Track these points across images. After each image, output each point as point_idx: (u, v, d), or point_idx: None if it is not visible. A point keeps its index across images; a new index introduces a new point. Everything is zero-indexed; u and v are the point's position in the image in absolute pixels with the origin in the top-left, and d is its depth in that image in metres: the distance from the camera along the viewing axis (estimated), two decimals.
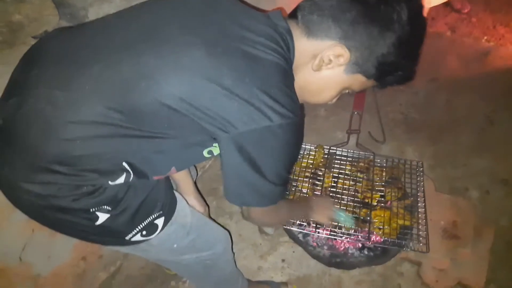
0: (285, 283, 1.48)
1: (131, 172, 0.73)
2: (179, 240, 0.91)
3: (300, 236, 1.54)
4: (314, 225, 1.42)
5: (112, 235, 0.79)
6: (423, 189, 1.51)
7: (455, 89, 2.15)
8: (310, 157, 1.66)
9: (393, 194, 1.51)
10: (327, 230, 1.40)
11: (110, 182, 0.71)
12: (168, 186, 0.90)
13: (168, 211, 0.85)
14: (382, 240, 1.38)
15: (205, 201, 1.29)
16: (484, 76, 2.20)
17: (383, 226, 1.40)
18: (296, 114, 0.70)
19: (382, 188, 1.53)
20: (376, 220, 1.42)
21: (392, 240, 1.36)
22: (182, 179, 1.16)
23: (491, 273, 1.41)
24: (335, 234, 1.39)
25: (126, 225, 0.77)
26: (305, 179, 1.56)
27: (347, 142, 1.74)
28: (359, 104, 1.87)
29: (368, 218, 1.42)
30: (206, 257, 1.02)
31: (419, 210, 1.44)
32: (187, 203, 0.97)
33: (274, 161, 0.74)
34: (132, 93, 0.65)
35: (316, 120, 2.13)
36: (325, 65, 0.74)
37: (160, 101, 0.65)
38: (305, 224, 1.43)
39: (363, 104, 1.88)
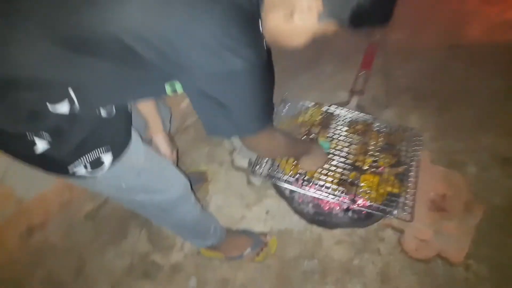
0: (265, 234, 1.50)
1: (75, 99, 0.70)
2: (128, 180, 0.92)
3: (287, 191, 1.53)
4: (302, 181, 1.40)
5: (54, 164, 0.79)
6: (418, 159, 1.46)
7: (474, 59, 2.02)
8: (307, 114, 1.60)
9: (386, 160, 1.47)
10: (313, 188, 1.38)
11: (50, 108, 0.69)
12: (124, 125, 0.88)
13: (118, 149, 0.84)
14: (367, 204, 1.37)
15: (175, 144, 1.28)
16: (508, 50, 2.05)
17: (370, 190, 1.38)
18: (261, 57, 0.68)
19: (376, 153, 1.49)
20: (364, 184, 1.40)
21: (377, 205, 1.34)
22: (150, 116, 1.14)
23: (472, 249, 1.39)
24: (321, 193, 1.37)
25: (67, 155, 0.77)
26: (298, 136, 1.52)
27: (348, 102, 1.68)
28: (367, 63, 1.79)
29: (356, 181, 1.40)
30: (160, 201, 1.03)
31: (410, 179, 1.40)
32: (151, 143, 0.96)
33: (242, 104, 0.74)
34: (81, 23, 0.63)
35: (320, 77, 2.05)
36: (297, 13, 0.71)
37: (113, 34, 0.62)
38: (293, 179, 1.42)
39: (371, 64, 1.79)
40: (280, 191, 1.54)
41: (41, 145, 0.73)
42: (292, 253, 1.48)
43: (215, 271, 1.44)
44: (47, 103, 0.69)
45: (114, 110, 0.80)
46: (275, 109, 0.86)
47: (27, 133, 0.71)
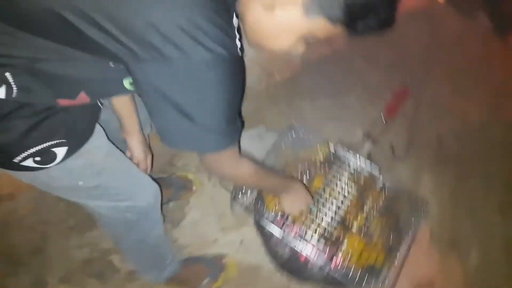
0: (221, 257, 1.41)
1: (13, 86, 0.62)
2: (86, 178, 0.83)
3: (268, 225, 1.42)
4: (284, 222, 1.29)
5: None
6: (416, 232, 1.31)
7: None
8: (311, 150, 1.47)
9: (379, 225, 1.32)
10: (294, 233, 1.27)
11: None
12: (88, 117, 0.80)
13: (74, 142, 0.76)
14: (344, 267, 1.24)
15: (150, 150, 1.19)
16: None
17: (352, 254, 1.25)
18: (230, 52, 0.57)
19: (371, 215, 1.35)
20: (347, 245, 1.27)
21: (354, 272, 1.21)
22: (125, 115, 1.03)
23: None
24: (298, 243, 1.25)
25: (13, 145, 0.69)
26: (293, 172, 1.40)
27: (361, 146, 1.53)
28: (392, 109, 1.63)
29: (340, 240, 1.27)
30: (126, 209, 0.94)
31: (399, 253, 1.26)
32: (118, 144, 0.88)
33: (204, 109, 0.63)
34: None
35: (340, 107, 1.89)
36: (279, 4, 0.60)
37: (53, 11, 0.54)
38: (274, 217, 1.31)
39: (396, 111, 1.62)
40: (259, 225, 1.43)
41: None
42: None
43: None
44: None
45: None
46: (243, 130, 0.75)
47: None
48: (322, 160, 1.46)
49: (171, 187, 1.50)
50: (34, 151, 0.71)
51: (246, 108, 1.78)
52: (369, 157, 1.51)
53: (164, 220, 1.16)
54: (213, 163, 0.79)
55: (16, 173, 0.78)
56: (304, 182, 1.38)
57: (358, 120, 1.80)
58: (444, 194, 1.59)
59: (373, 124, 1.60)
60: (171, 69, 0.57)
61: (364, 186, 1.41)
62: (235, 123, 0.70)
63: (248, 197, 1.37)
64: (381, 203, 1.38)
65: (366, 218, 1.34)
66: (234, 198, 1.36)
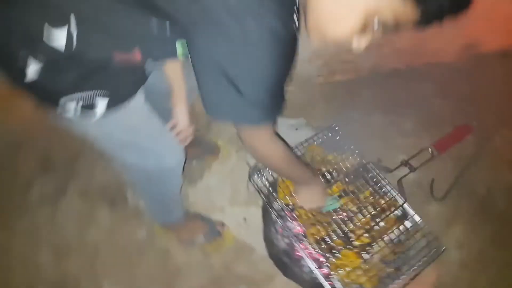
0: (221, 224, 1.44)
1: (74, 33, 0.66)
2: (120, 132, 0.88)
3: (274, 212, 1.42)
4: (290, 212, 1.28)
5: (45, 92, 0.75)
6: (419, 271, 1.22)
7: None
8: (341, 157, 1.42)
9: (383, 253, 1.25)
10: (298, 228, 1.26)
11: (46, 34, 0.65)
12: (134, 79, 0.84)
13: (116, 98, 0.80)
14: (330, 277, 1.20)
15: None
16: None
17: (343, 269, 1.20)
18: (286, 30, 0.60)
19: (379, 240, 1.28)
20: (341, 258, 1.22)
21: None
22: (175, 83, 1.07)
23: None
24: (296, 238, 1.24)
25: (61, 85, 0.73)
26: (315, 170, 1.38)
27: (392, 170, 1.45)
28: (443, 145, 1.50)
29: (336, 251, 1.23)
30: (151, 167, 0.99)
31: (391, 285, 1.18)
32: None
33: (252, 81, 0.66)
34: None
35: (391, 129, 1.79)
36: None
37: None
38: (283, 206, 1.30)
39: (447, 148, 1.50)
40: (265, 210, 1.43)
41: (32, 72, 0.70)
42: (238, 271, 1.40)
43: (167, 239, 1.43)
44: (46, 24, 0.65)
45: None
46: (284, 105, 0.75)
47: (21, 56, 0.68)
48: (348, 169, 1.41)
49: (200, 146, 1.56)
50: (79, 96, 0.75)
51: (296, 97, 1.79)
52: (399, 183, 1.42)
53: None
54: (249, 137, 0.81)
55: (58, 119, 0.83)
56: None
57: (404, 145, 1.70)
58: (472, 251, 1.46)
59: (418, 153, 1.49)
60: (228, 39, 0.60)
61: (381, 209, 1.34)
62: (278, 102, 0.72)
63: (263, 180, 1.37)
64: (394, 232, 1.31)
65: (372, 239, 1.27)
66: (250, 176, 1.38)
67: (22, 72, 0.69)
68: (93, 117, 0.78)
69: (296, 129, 1.64)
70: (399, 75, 2.00)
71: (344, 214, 1.31)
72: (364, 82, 1.95)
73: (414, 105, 1.89)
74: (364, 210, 1.33)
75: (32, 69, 0.69)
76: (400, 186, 1.41)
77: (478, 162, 1.68)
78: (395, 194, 1.37)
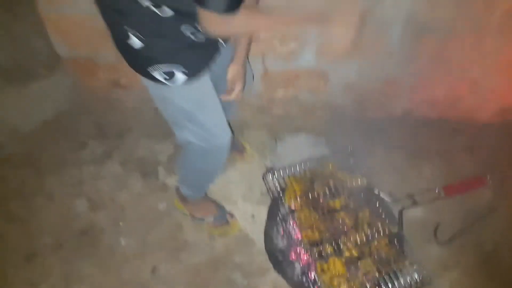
0: (231, 214, 1.60)
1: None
2: (190, 102, 1.08)
3: (280, 214, 1.55)
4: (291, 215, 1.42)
5: (140, 60, 0.98)
6: None
7: None
8: (349, 176, 1.55)
9: (368, 268, 1.34)
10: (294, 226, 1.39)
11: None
12: (208, 56, 1.04)
13: (192, 74, 1.01)
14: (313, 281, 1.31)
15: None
16: None
17: (326, 274, 1.31)
18: None
19: (367, 258, 1.37)
20: (326, 264, 1.33)
21: None
22: (238, 45, 1.21)
23: None
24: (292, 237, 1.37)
25: (154, 57, 0.96)
26: (321, 183, 1.50)
27: (396, 200, 1.54)
28: (451, 189, 1.56)
29: (325, 256, 1.34)
30: (205, 139, 1.17)
31: None
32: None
33: None
34: None
35: (408, 166, 1.88)
36: None
37: None
38: (287, 209, 1.44)
39: (454, 192, 1.56)
40: (271, 210, 1.58)
41: (133, 40, 0.93)
42: (237, 259, 1.55)
43: (182, 214, 1.63)
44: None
45: (201, 35, 0.95)
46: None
47: (124, 27, 0.91)
48: (354, 188, 1.52)
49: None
50: (164, 68, 0.97)
51: (321, 120, 1.94)
52: (400, 213, 1.50)
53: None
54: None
55: (144, 79, 1.05)
56: (326, 196, 1.48)
57: (417, 186, 1.77)
58: None
59: (426, 191, 1.57)
60: None
61: (375, 231, 1.43)
62: None
63: (275, 182, 1.52)
64: (383, 254, 1.39)
65: (361, 254, 1.37)
66: (263, 177, 1.54)
67: (126, 38, 0.93)
68: (173, 84, 0.99)
69: (315, 146, 1.78)
70: (431, 124, 2.07)
71: (340, 225, 1.42)
72: (394, 123, 2.05)
73: (439, 155, 1.96)
74: (359, 227, 1.43)
75: (134, 40, 0.92)
76: (400, 216, 1.50)
77: (489, 217, 1.71)
78: (392, 222, 1.46)
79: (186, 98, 1.07)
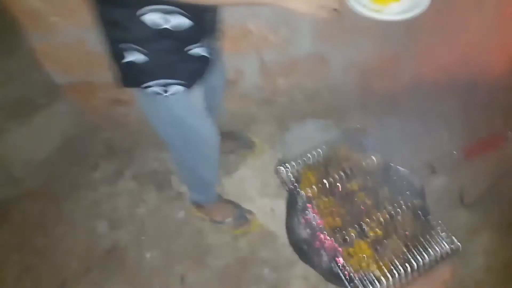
0: (250, 212, 1.59)
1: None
2: (182, 109, 1.06)
3: (300, 204, 1.53)
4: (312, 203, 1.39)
5: (139, 75, 0.95)
6: (430, 266, 1.26)
7: None
8: (362, 157, 1.50)
9: (396, 245, 1.31)
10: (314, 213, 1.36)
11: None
12: (203, 66, 1.03)
13: (190, 85, 1.00)
14: (343, 267, 1.29)
15: None
16: None
17: (354, 256, 1.28)
18: None
19: (394, 235, 1.33)
20: (353, 248, 1.30)
21: (352, 275, 1.25)
22: None
23: None
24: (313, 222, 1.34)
25: (157, 71, 0.94)
26: (336, 167, 1.47)
27: (414, 171, 1.49)
28: (471, 151, 1.52)
29: (349, 240, 1.31)
30: (194, 143, 1.19)
31: (400, 278, 1.23)
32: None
33: None
34: None
35: (422, 133, 1.81)
36: None
37: None
38: (306, 197, 1.42)
39: (475, 154, 1.51)
40: (289, 200, 1.55)
41: (135, 56, 0.89)
42: (262, 255, 1.54)
43: (201, 220, 1.62)
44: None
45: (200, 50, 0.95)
46: None
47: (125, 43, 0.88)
48: (370, 167, 1.49)
49: (237, 140, 1.75)
50: (165, 81, 0.95)
51: (328, 101, 1.90)
52: (421, 185, 1.46)
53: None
54: None
55: (136, 92, 1.03)
56: (342, 180, 1.45)
57: (437, 151, 1.71)
58: (499, 258, 1.43)
59: (444, 156, 1.52)
60: None
61: (398, 206, 1.39)
62: None
63: (289, 173, 1.50)
64: (409, 229, 1.35)
65: (386, 233, 1.33)
66: (275, 171, 1.51)
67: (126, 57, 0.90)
68: (170, 95, 0.97)
69: (324, 129, 1.75)
70: (442, 86, 2.00)
71: (361, 207, 1.39)
72: (404, 92, 1.99)
73: (455, 116, 1.89)
74: (381, 205, 1.39)
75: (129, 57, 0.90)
76: (421, 186, 1.45)
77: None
78: (415, 196, 1.41)
79: (178, 105, 1.05)
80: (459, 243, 1.27)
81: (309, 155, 1.52)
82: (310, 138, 1.75)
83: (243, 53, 1.72)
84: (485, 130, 1.76)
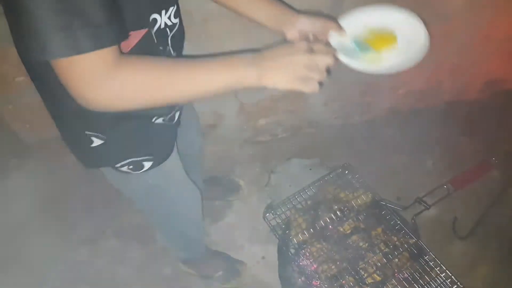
0: (242, 264, 1.51)
1: None
2: (155, 180, 0.98)
3: (292, 252, 1.47)
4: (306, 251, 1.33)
5: (104, 159, 0.88)
6: None
7: None
8: (354, 195, 1.46)
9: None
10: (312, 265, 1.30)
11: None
12: (169, 137, 0.96)
13: (160, 161, 0.93)
14: None
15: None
16: None
17: None
18: None
19: (390, 277, 1.28)
20: None
21: None
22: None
23: None
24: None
25: (117, 154, 0.87)
26: (326, 209, 1.42)
27: (406, 208, 1.46)
28: (460, 182, 1.49)
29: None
30: (174, 211, 1.13)
31: None
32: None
33: None
34: None
35: (411, 167, 1.80)
36: None
37: None
38: (297, 246, 1.36)
39: (464, 184, 1.48)
40: (280, 248, 1.49)
41: (97, 140, 0.82)
42: None
43: (189, 275, 1.53)
44: None
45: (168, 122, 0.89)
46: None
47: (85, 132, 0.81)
48: (360, 207, 1.44)
49: (222, 186, 1.69)
50: (131, 161, 0.88)
51: (312, 139, 1.87)
52: (413, 221, 1.42)
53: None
54: (68, 76, 0.56)
55: (110, 173, 0.93)
56: (334, 222, 1.40)
57: (425, 184, 1.69)
58: None
59: (434, 190, 1.49)
60: None
61: (394, 247, 1.34)
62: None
63: (277, 219, 1.44)
64: (407, 269, 1.30)
65: (384, 277, 1.28)
66: (263, 216, 1.45)
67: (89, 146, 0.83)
68: (140, 172, 0.90)
69: (310, 169, 1.71)
70: (420, 115, 2.01)
71: (356, 251, 1.34)
72: (383, 123, 1.99)
73: (437, 144, 1.89)
74: (376, 248, 1.34)
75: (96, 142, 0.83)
76: (414, 224, 1.41)
77: (504, 199, 1.63)
78: (408, 232, 1.37)
79: (153, 177, 0.96)
80: (461, 285, 1.23)
81: (297, 197, 1.48)
82: (297, 178, 1.71)
83: (221, 97, 1.69)
84: (469, 158, 1.76)
